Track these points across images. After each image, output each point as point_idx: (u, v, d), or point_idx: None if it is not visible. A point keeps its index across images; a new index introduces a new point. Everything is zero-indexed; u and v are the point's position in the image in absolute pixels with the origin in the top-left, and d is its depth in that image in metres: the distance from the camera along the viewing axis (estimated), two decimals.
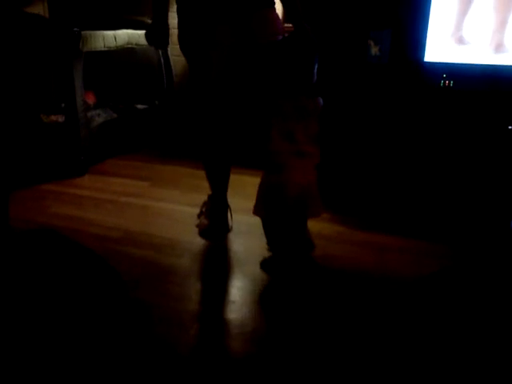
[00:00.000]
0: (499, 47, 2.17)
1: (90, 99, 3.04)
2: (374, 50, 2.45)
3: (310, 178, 1.67)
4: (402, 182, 2.26)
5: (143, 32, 3.02)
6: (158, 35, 1.88)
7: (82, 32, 2.54)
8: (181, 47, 1.84)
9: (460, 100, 2.25)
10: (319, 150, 1.67)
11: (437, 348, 1.35)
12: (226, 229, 2.03)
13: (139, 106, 3.26)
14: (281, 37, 1.75)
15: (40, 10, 3.30)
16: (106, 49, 2.75)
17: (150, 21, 3.20)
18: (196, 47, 1.78)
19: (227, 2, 1.69)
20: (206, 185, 2.04)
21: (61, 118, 2.75)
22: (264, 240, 1.78)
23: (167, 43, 1.92)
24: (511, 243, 1.85)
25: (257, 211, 1.73)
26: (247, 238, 1.98)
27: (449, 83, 2.28)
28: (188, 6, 1.75)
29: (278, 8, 1.84)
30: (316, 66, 1.65)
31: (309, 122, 1.63)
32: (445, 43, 2.26)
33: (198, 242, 1.96)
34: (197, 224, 2.05)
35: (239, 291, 1.68)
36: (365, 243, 1.94)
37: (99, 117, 2.91)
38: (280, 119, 1.63)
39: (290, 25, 1.87)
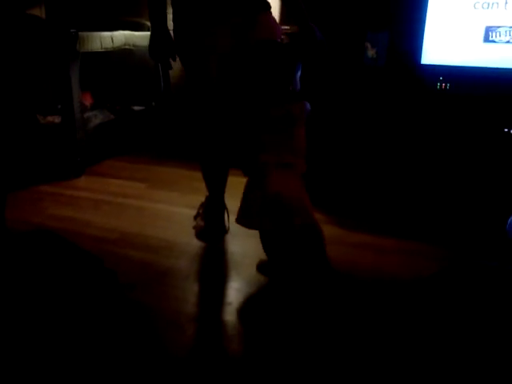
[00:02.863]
0: None
1: (87, 100, 3.04)
2: (371, 53, 2.46)
3: (295, 189, 1.59)
4: (399, 184, 2.27)
5: (140, 33, 3.07)
6: (162, 49, 1.78)
7: (79, 33, 2.54)
8: (177, 51, 1.82)
9: (456, 102, 2.26)
10: (303, 160, 1.62)
11: (435, 350, 1.35)
12: (223, 230, 2.03)
13: (136, 108, 3.26)
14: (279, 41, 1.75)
15: (37, 11, 3.29)
16: (102, 50, 2.75)
17: (148, 23, 3.23)
18: (194, 50, 1.77)
19: (225, 6, 1.69)
20: (202, 186, 2.04)
21: (57, 119, 2.75)
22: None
23: (173, 57, 1.81)
24: (507, 245, 1.86)
25: (239, 220, 1.70)
26: (244, 239, 1.98)
27: (445, 86, 2.29)
28: (186, 10, 1.74)
29: (274, 12, 1.84)
30: (298, 73, 1.63)
31: (294, 130, 1.59)
32: (441, 46, 2.26)
33: (195, 244, 1.96)
34: (194, 226, 2.05)
35: (236, 293, 1.68)
36: (361, 245, 1.95)
37: (96, 118, 2.91)
38: (262, 129, 1.60)
39: (287, 27, 1.88)
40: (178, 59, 1.84)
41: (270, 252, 1.71)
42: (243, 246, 1.93)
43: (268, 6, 1.77)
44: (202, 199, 2.06)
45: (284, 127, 1.58)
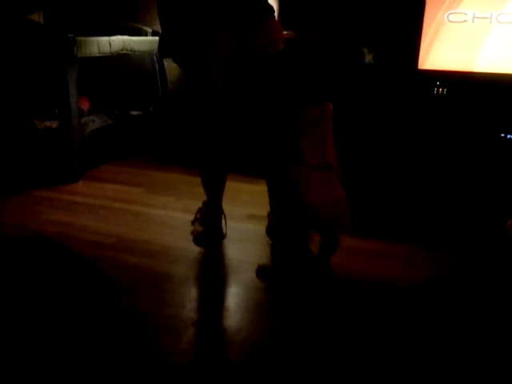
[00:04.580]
0: None
1: (85, 105, 3.04)
2: (368, 58, 2.47)
3: (334, 194, 1.55)
4: (396, 189, 2.27)
5: (138, 38, 3.08)
6: (176, 48, 1.79)
7: (77, 38, 2.54)
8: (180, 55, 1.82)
9: (453, 107, 2.27)
10: (336, 160, 1.59)
11: (432, 354, 1.35)
12: (221, 236, 2.02)
13: (134, 113, 3.26)
14: (281, 46, 1.76)
15: (35, 16, 3.30)
16: (100, 55, 2.75)
17: (146, 28, 3.25)
18: (197, 53, 1.77)
19: (228, 9, 1.69)
20: (200, 191, 2.03)
21: (55, 124, 2.74)
22: (259, 247, 1.77)
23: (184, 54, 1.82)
24: (505, 247, 1.86)
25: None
26: (242, 244, 1.97)
27: (442, 91, 2.29)
28: (190, 14, 1.74)
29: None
30: (322, 76, 1.62)
31: (320, 131, 1.56)
32: (438, 51, 2.27)
33: (193, 249, 1.96)
34: (191, 231, 2.04)
35: (233, 298, 1.68)
36: (359, 250, 1.94)
37: (93, 123, 2.90)
38: (288, 134, 1.56)
39: (285, 32, 1.89)
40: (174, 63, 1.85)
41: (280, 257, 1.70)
42: (241, 251, 1.93)
43: (272, 11, 1.78)
44: (200, 204, 2.06)
45: (308, 129, 1.55)
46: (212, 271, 1.84)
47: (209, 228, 2.01)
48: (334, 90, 1.68)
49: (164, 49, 1.85)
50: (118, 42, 2.88)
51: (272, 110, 1.69)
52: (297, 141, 1.54)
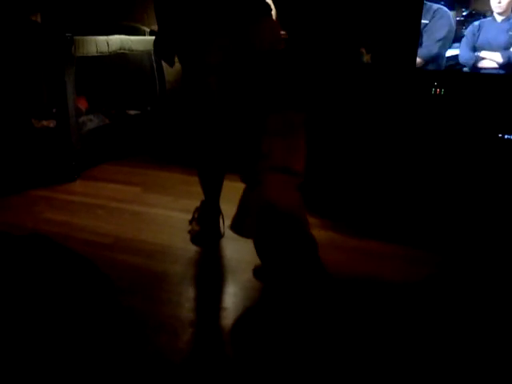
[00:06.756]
0: None
1: (82, 104, 3.04)
2: (366, 58, 2.47)
3: (291, 196, 1.55)
4: (394, 189, 2.27)
5: (136, 38, 3.08)
6: (167, 49, 1.82)
7: (75, 37, 2.54)
8: (177, 52, 1.82)
9: (451, 108, 2.27)
10: (302, 171, 1.59)
11: (429, 353, 1.35)
12: (218, 235, 2.03)
13: (131, 112, 3.26)
14: (279, 45, 1.76)
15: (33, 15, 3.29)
16: (98, 54, 2.75)
17: (144, 27, 3.25)
18: (193, 54, 1.77)
19: (224, 11, 1.69)
20: (197, 190, 2.04)
21: (52, 123, 2.74)
22: None
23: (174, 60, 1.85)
24: (502, 249, 1.87)
25: (233, 227, 1.71)
26: (239, 244, 1.97)
27: (440, 91, 2.30)
28: (185, 15, 1.74)
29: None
30: (307, 81, 1.63)
31: (293, 138, 1.57)
32: (436, 51, 2.28)
33: (190, 249, 1.96)
34: (189, 230, 2.04)
35: (231, 298, 1.68)
36: (357, 250, 1.95)
37: (91, 122, 2.90)
38: (262, 135, 1.58)
39: (283, 32, 1.89)
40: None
41: (264, 258, 1.70)
42: (238, 251, 1.93)
43: (269, 10, 1.77)
44: (197, 203, 2.06)
45: (284, 134, 1.56)
46: (209, 271, 1.84)
47: (206, 227, 2.01)
48: (309, 101, 1.68)
49: (159, 50, 1.86)
50: (116, 41, 2.88)
51: (248, 108, 1.71)
52: (260, 139, 1.56)
